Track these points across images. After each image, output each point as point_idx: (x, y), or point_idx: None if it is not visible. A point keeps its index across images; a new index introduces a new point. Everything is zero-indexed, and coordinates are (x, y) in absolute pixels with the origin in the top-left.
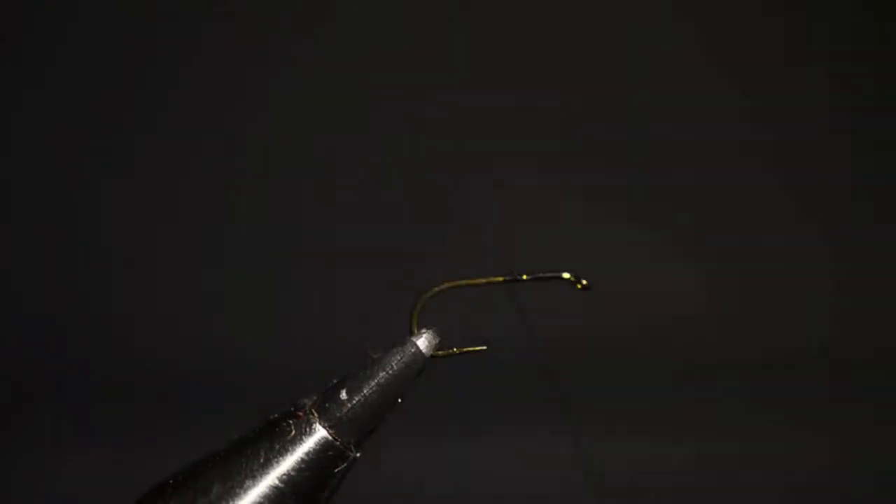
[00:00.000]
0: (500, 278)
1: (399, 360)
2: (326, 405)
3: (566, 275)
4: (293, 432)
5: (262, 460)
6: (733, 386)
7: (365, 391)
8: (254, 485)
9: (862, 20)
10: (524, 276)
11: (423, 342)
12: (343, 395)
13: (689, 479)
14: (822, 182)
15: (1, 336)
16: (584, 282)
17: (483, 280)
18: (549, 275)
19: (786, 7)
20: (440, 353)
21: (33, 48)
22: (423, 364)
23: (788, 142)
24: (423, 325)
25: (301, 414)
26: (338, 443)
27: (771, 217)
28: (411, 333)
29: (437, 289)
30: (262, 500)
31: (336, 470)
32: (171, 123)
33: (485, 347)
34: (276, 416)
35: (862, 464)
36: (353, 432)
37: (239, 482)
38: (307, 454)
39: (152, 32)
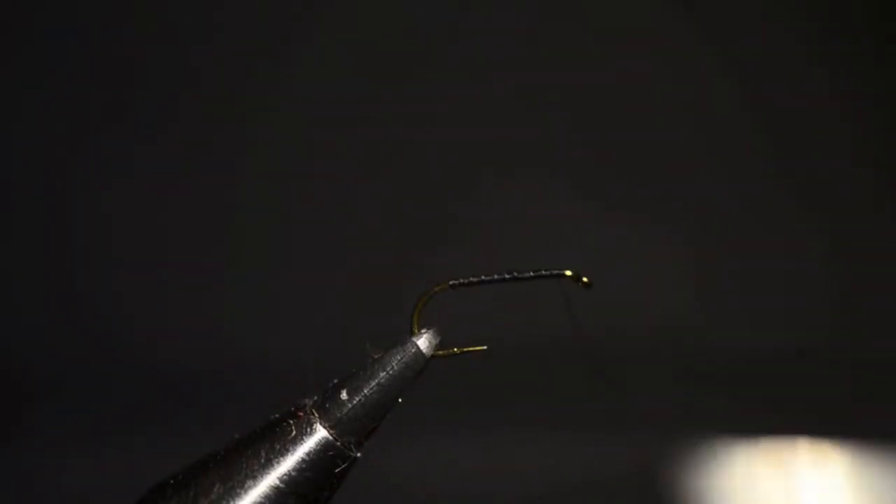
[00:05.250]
0: (502, 277)
1: (399, 360)
2: (327, 405)
3: (568, 272)
4: (294, 432)
5: (262, 460)
6: (732, 385)
7: (365, 391)
8: (254, 485)
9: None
10: (525, 275)
11: (423, 342)
12: (343, 395)
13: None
14: (821, 182)
15: (1, 336)
16: (586, 279)
17: (484, 278)
18: (550, 273)
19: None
20: (440, 352)
21: (35, 49)
22: (423, 364)
23: (788, 144)
24: (424, 324)
25: (301, 414)
26: (338, 443)
27: (771, 218)
28: (411, 333)
29: (437, 288)
30: (262, 499)
31: (336, 470)
32: (172, 124)
33: (485, 347)
34: (277, 416)
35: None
36: (354, 432)
37: (239, 482)
38: (308, 454)
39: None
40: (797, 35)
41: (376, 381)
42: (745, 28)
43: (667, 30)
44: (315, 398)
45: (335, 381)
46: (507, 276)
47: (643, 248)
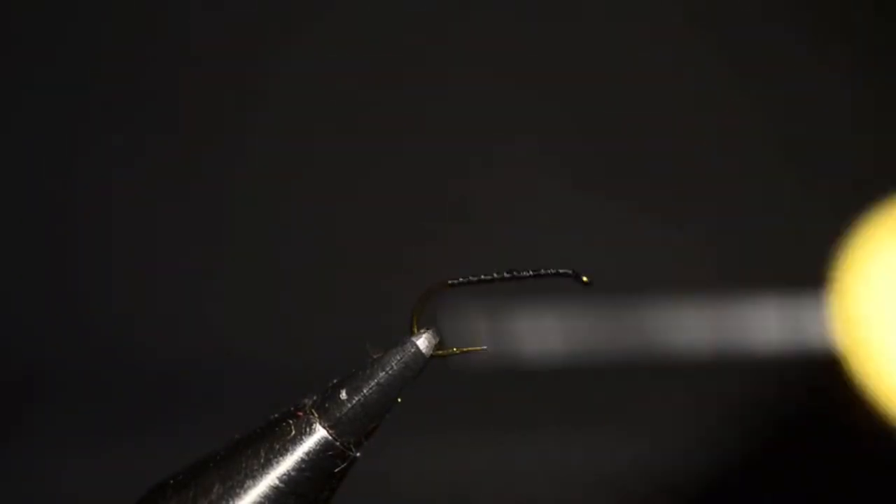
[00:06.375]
0: (502, 276)
1: (399, 360)
2: (326, 405)
3: (568, 272)
4: (293, 432)
5: (262, 460)
6: (730, 383)
7: (365, 391)
8: (254, 484)
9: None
10: (524, 274)
11: (423, 342)
12: (343, 395)
13: (687, 478)
14: (820, 177)
15: (1, 336)
16: (586, 278)
17: (483, 277)
18: (550, 272)
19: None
20: (440, 352)
21: (35, 49)
22: (423, 364)
23: (797, 139)
24: (423, 324)
25: (301, 414)
26: (338, 443)
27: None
28: (411, 333)
29: (436, 288)
30: (262, 499)
31: (336, 470)
32: (171, 122)
33: (485, 347)
34: (276, 416)
35: None
36: (353, 432)
37: (239, 482)
38: (307, 454)
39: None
40: (805, 31)
41: (376, 380)
42: (751, 19)
43: (667, 19)
44: (315, 398)
45: (335, 381)
46: (506, 274)
47: (645, 246)
